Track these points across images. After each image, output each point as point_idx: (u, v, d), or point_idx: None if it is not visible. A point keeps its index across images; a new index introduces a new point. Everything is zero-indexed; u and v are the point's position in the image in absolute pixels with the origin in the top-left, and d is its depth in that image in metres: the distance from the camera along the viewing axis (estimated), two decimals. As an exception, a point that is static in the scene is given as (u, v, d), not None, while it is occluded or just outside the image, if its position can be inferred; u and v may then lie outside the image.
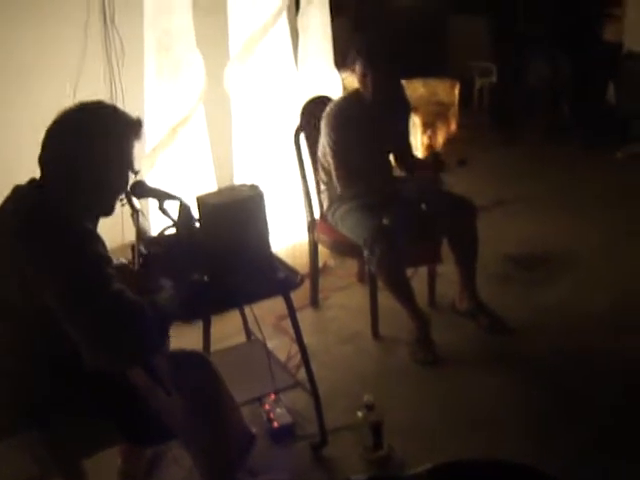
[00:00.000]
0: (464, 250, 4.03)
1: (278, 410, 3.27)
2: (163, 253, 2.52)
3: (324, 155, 4.03)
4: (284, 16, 4.69)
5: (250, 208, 2.73)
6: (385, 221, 3.76)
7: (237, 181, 4.65)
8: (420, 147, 6.58)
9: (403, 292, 3.83)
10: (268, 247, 2.82)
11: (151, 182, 2.72)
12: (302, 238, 4.48)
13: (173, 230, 2.68)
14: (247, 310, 3.38)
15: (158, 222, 2.87)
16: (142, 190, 2.57)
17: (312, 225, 4.25)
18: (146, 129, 4.22)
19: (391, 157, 4.24)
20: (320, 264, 4.47)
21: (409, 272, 3.92)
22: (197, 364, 2.52)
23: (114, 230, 4.39)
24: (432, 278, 4.27)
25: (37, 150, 2.24)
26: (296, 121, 4.25)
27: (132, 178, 2.40)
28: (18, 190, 2.23)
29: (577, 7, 7.54)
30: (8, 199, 2.22)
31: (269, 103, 4.71)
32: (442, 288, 4.28)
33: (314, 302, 4.42)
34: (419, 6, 8.84)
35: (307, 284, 4.21)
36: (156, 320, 2.20)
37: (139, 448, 2.82)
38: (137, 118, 2.33)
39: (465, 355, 3.82)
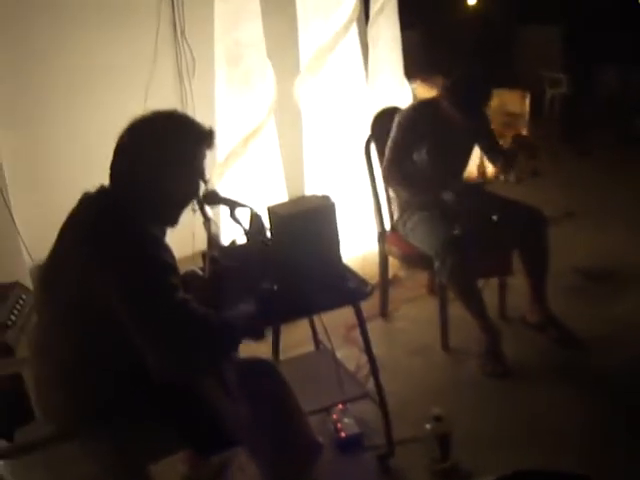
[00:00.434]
0: (535, 262, 3.98)
1: (346, 420, 3.27)
2: (234, 262, 2.53)
3: None
4: (354, 27, 4.70)
5: (321, 218, 2.73)
6: (456, 232, 3.74)
7: (308, 192, 4.67)
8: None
9: (474, 303, 3.81)
10: (339, 257, 2.82)
11: (222, 191, 2.75)
12: (372, 248, 4.48)
13: (244, 239, 2.70)
14: (316, 320, 3.39)
15: (229, 231, 2.90)
16: (214, 198, 2.59)
17: (382, 236, 4.25)
18: (217, 139, 4.31)
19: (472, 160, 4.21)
20: (390, 275, 4.46)
21: (480, 283, 3.88)
22: (265, 372, 2.52)
23: (185, 240, 4.46)
24: (503, 290, 4.23)
25: (106, 155, 2.26)
26: (366, 132, 4.25)
27: (203, 187, 2.41)
28: (87, 197, 2.25)
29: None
30: (77, 206, 2.24)
31: (339, 114, 4.72)
32: (513, 300, 4.23)
33: (384, 313, 4.41)
34: (489, 16, 8.80)
35: (377, 295, 4.22)
36: (224, 332, 2.21)
37: (204, 455, 2.83)
38: (209, 128, 2.34)
39: (534, 368, 3.76)
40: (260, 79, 4.39)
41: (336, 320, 3.29)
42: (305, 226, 2.69)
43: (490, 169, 6.03)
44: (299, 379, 2.80)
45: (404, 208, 4.06)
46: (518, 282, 4.10)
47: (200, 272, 2.58)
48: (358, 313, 2.93)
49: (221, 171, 4.35)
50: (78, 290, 2.14)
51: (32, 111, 4.53)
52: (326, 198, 2.80)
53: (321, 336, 3.45)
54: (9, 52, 4.40)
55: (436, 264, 3.73)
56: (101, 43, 4.66)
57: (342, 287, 2.80)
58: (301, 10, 4.62)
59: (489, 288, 4.10)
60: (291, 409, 2.53)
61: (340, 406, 3.28)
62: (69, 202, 2.26)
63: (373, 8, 5.48)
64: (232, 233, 2.74)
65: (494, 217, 3.93)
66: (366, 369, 3.15)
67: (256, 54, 4.38)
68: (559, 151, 7.28)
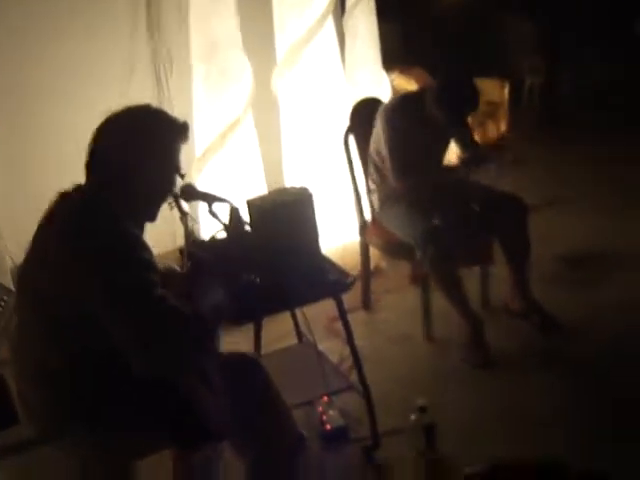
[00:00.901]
0: (516, 250, 3.99)
1: (330, 413, 3.27)
2: (213, 256, 2.51)
3: (377, 152, 4.01)
4: (330, 19, 4.68)
5: (299, 210, 2.74)
6: (436, 221, 3.75)
7: (288, 185, 4.66)
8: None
9: (455, 293, 3.81)
10: (318, 249, 2.82)
11: (201, 187, 2.73)
12: (353, 239, 4.47)
13: (223, 233, 2.68)
14: (298, 312, 3.38)
15: (208, 226, 2.88)
16: (191, 193, 2.57)
17: (363, 227, 4.25)
18: (195, 134, 4.29)
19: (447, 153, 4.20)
20: (372, 266, 4.46)
21: (462, 273, 3.88)
22: (248, 366, 2.51)
23: (165, 235, 4.43)
24: (484, 279, 4.24)
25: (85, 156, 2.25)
26: (345, 123, 4.25)
27: (179, 182, 2.40)
28: (63, 196, 2.23)
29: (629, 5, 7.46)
30: (54, 205, 2.23)
31: (317, 106, 4.71)
32: (495, 288, 4.23)
33: (366, 304, 4.41)
34: (466, 6, 8.80)
35: (358, 286, 4.22)
36: (202, 326, 2.20)
37: (188, 451, 2.81)
38: (183, 121, 2.34)
39: (518, 356, 3.78)
40: (237, 74, 4.36)
41: (318, 312, 3.30)
42: (283, 218, 2.69)
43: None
44: (282, 372, 2.80)
45: (385, 198, 4.05)
46: (500, 271, 4.11)
47: (178, 268, 2.57)
48: (339, 305, 2.93)
49: (199, 166, 4.32)
50: (56, 289, 2.13)
51: (12, 115, 4.50)
52: (304, 189, 2.80)
53: (304, 328, 3.44)
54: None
55: (417, 254, 3.73)
56: (77, 45, 4.61)
57: (323, 279, 2.80)
58: (276, 3, 4.59)
59: (471, 277, 4.11)
60: (274, 402, 2.52)
61: (324, 399, 3.27)
62: (49, 201, 2.25)
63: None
64: (212, 228, 2.72)
65: (474, 206, 3.93)
66: (349, 361, 3.15)
67: (232, 49, 4.35)
68: (538, 140, 7.29)
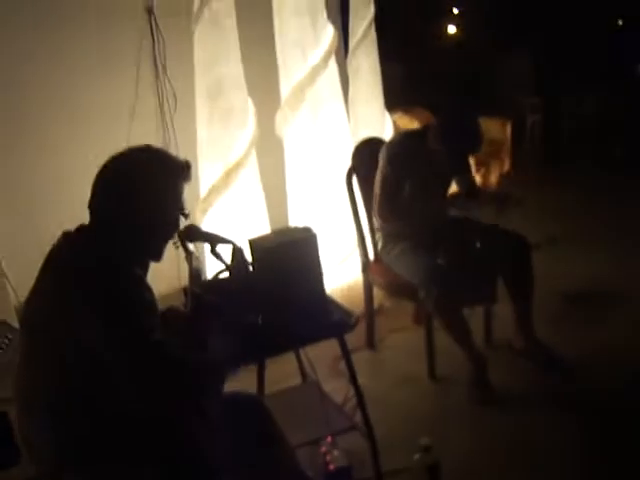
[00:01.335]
0: (520, 288, 3.99)
1: (334, 453, 3.24)
2: (216, 296, 2.52)
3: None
4: (333, 59, 4.72)
5: (303, 250, 2.74)
6: (440, 261, 3.75)
7: (292, 224, 4.68)
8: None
9: (460, 332, 3.81)
10: (322, 289, 2.82)
11: (205, 227, 2.75)
12: (357, 278, 4.48)
13: (226, 274, 2.69)
14: (302, 352, 3.38)
15: (213, 266, 2.89)
16: (194, 234, 2.57)
17: (366, 266, 4.25)
18: (199, 174, 4.32)
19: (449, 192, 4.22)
20: (375, 305, 4.46)
21: (465, 312, 3.89)
22: (251, 406, 2.51)
23: (170, 274, 4.45)
24: (488, 317, 4.24)
25: (88, 190, 2.25)
26: (348, 163, 4.27)
27: (183, 221, 2.41)
28: (66, 237, 2.23)
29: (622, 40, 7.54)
30: (57, 246, 2.23)
31: (321, 146, 4.74)
32: (499, 327, 4.23)
33: (370, 343, 4.40)
34: (466, 47, 8.89)
35: (363, 325, 4.22)
36: (203, 371, 2.20)
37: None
38: (185, 161, 2.34)
39: (522, 395, 3.76)
40: (240, 114, 4.41)
41: (323, 351, 3.29)
42: (287, 258, 2.70)
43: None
44: (286, 412, 2.80)
45: (388, 238, 4.07)
46: (503, 309, 4.11)
47: (182, 308, 2.57)
48: (342, 345, 2.93)
49: (204, 207, 4.35)
50: (58, 333, 2.12)
51: (15, 155, 4.54)
52: (307, 229, 2.81)
53: (307, 368, 3.44)
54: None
55: (421, 294, 3.74)
56: (83, 81, 4.67)
57: (326, 319, 2.80)
58: (279, 44, 4.64)
59: (475, 316, 4.10)
60: (278, 443, 2.51)
61: (328, 439, 3.26)
62: (53, 238, 2.25)
63: (352, 40, 5.52)
64: (216, 268, 2.73)
65: (477, 244, 3.94)
66: (353, 401, 3.14)
67: (236, 89, 4.39)
68: (540, 178, 7.33)
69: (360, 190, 4.25)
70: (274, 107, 4.70)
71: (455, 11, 9.86)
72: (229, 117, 4.37)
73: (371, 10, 5.47)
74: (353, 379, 3.02)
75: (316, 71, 4.59)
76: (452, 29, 9.77)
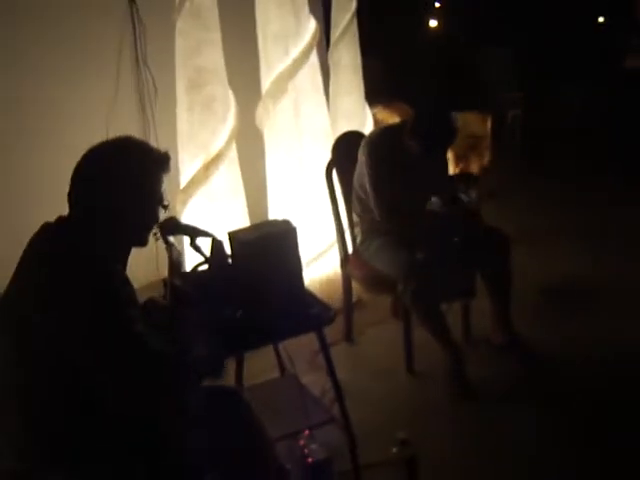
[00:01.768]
0: (498, 283, 4.01)
1: (313, 446, 3.25)
2: (195, 288, 2.51)
3: (361, 185, 4.02)
4: (314, 53, 4.71)
5: (282, 243, 2.74)
6: (419, 255, 3.76)
7: (271, 217, 4.67)
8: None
9: (438, 327, 3.82)
10: (301, 282, 2.82)
11: (185, 219, 2.74)
12: (336, 271, 4.48)
13: (206, 266, 2.69)
14: (280, 345, 3.38)
15: (192, 258, 2.89)
16: (173, 227, 2.57)
17: (345, 260, 4.26)
18: (179, 166, 4.30)
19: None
20: (354, 299, 4.46)
21: (443, 306, 3.90)
22: (230, 399, 2.51)
23: (149, 266, 4.44)
24: (466, 312, 4.25)
25: (68, 184, 2.24)
26: (328, 156, 4.27)
27: (163, 213, 2.40)
28: (46, 228, 2.22)
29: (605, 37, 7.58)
30: (36, 239, 2.21)
31: (301, 139, 4.73)
32: (477, 322, 4.25)
33: (348, 337, 4.41)
34: (450, 41, 8.91)
35: (341, 319, 4.22)
36: (178, 364, 2.18)
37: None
38: (165, 152, 2.32)
39: (500, 389, 3.78)
40: (221, 105, 4.38)
41: (302, 344, 3.29)
42: (266, 251, 2.69)
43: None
44: (264, 405, 2.81)
45: (367, 232, 4.07)
46: (482, 304, 4.12)
47: (161, 299, 2.56)
48: (321, 339, 2.93)
49: (183, 198, 4.33)
50: (36, 327, 2.10)
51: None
52: (287, 222, 2.81)
53: (286, 362, 3.44)
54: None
55: (399, 288, 3.74)
56: (63, 74, 4.65)
57: (305, 313, 2.80)
58: (261, 36, 4.63)
59: (453, 310, 4.12)
60: (256, 435, 2.51)
61: (306, 432, 3.26)
62: (32, 231, 2.24)
63: (334, 34, 5.52)
64: (195, 260, 2.72)
65: (456, 239, 3.95)
66: (331, 394, 3.15)
67: (217, 81, 4.38)
68: (519, 172, 7.36)
69: (340, 183, 4.24)
70: (255, 99, 4.69)
71: (437, 5, 9.88)
72: (209, 108, 4.35)
73: (353, 3, 5.47)
74: (331, 372, 3.03)
75: (297, 63, 4.58)
76: (433, 23, 9.79)
